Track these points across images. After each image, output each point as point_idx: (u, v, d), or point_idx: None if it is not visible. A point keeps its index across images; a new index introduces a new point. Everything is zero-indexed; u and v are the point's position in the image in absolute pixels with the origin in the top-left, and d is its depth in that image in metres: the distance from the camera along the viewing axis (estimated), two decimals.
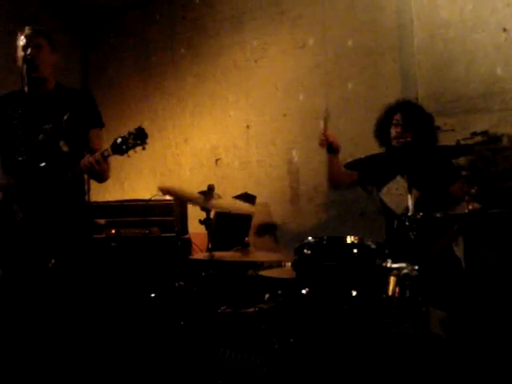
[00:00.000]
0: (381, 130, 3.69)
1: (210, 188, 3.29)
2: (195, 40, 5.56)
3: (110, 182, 3.47)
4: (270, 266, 3.61)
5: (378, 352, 2.71)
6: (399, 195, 3.52)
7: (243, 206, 3.61)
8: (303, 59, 4.87)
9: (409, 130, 3.52)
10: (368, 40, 4.56)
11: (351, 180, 3.86)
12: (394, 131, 3.57)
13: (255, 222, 4.73)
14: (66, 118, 3.29)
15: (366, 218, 4.43)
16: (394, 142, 3.56)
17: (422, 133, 3.49)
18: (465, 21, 4.05)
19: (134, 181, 5.92)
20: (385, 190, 3.67)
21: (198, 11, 5.56)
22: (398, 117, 3.58)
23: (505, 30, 3.91)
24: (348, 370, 2.62)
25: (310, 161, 4.76)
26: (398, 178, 3.58)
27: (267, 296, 3.15)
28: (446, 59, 4.10)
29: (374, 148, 3.80)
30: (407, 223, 2.55)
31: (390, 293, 2.71)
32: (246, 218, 4.58)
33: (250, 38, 5.20)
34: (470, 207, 2.65)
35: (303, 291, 2.69)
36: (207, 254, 3.19)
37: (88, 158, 3.09)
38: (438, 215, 2.77)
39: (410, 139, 3.48)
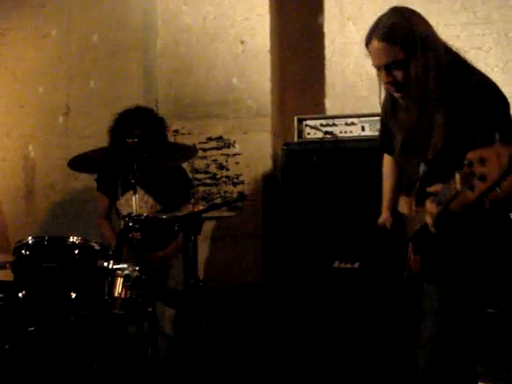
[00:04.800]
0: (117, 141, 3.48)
1: None
2: None
3: None
4: None
5: (107, 353, 2.70)
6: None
7: None
8: (45, 50, 4.63)
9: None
10: (114, 37, 4.49)
11: None
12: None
13: None
14: None
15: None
16: None
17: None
18: (207, 29, 4.19)
19: None
20: (122, 201, 3.57)
21: None
22: (137, 131, 3.44)
23: (242, 42, 4.12)
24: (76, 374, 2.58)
25: (48, 157, 4.55)
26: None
27: None
28: (187, 64, 4.19)
29: None
30: (131, 224, 2.56)
31: (115, 294, 2.69)
32: None
33: None
34: (195, 209, 2.74)
35: (20, 294, 2.56)
36: None
37: None
38: (164, 216, 2.82)
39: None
